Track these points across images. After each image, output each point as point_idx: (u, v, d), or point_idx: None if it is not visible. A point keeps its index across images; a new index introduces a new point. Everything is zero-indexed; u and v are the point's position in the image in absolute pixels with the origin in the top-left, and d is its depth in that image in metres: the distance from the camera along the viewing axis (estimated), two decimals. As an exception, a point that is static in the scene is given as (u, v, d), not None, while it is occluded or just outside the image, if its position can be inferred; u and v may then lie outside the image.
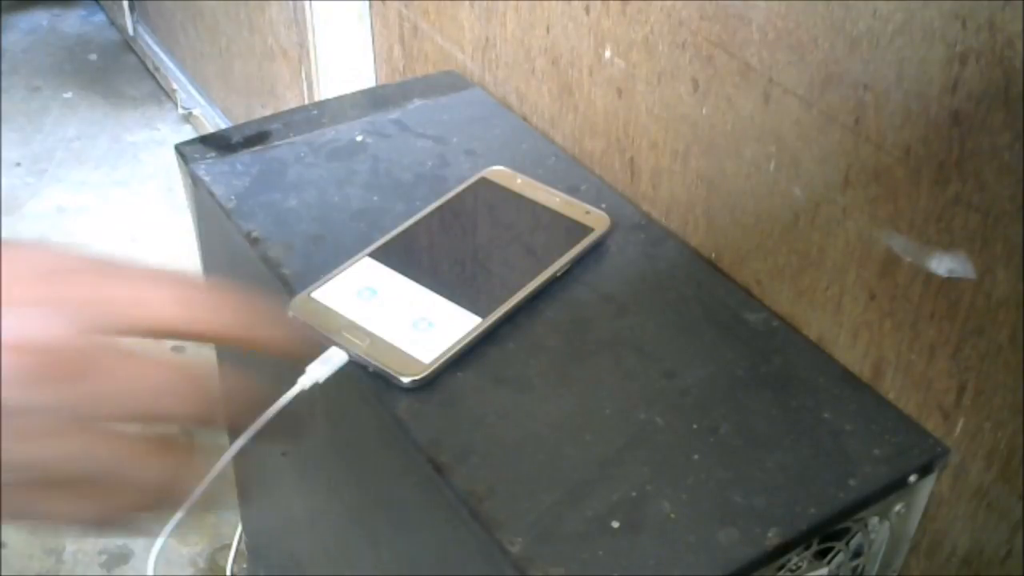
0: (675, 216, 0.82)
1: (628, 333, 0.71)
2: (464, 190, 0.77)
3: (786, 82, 0.67)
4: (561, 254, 0.70)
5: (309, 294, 0.63)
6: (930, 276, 0.62)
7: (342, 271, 0.65)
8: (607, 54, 0.83)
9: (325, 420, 0.77)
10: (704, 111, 0.75)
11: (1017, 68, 0.53)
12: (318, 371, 0.59)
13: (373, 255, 0.66)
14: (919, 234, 0.62)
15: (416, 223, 0.72)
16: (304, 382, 0.58)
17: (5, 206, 2.16)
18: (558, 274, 0.69)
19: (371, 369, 0.60)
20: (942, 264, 0.61)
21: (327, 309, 0.62)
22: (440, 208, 0.75)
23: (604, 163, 0.89)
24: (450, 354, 0.61)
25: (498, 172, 0.80)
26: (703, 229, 0.80)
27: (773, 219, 0.73)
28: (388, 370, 0.59)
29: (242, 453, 0.50)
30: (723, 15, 0.71)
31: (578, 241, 0.71)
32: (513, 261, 0.68)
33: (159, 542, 0.61)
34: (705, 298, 0.74)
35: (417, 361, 0.60)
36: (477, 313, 0.62)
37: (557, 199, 0.76)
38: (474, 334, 0.61)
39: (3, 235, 2.08)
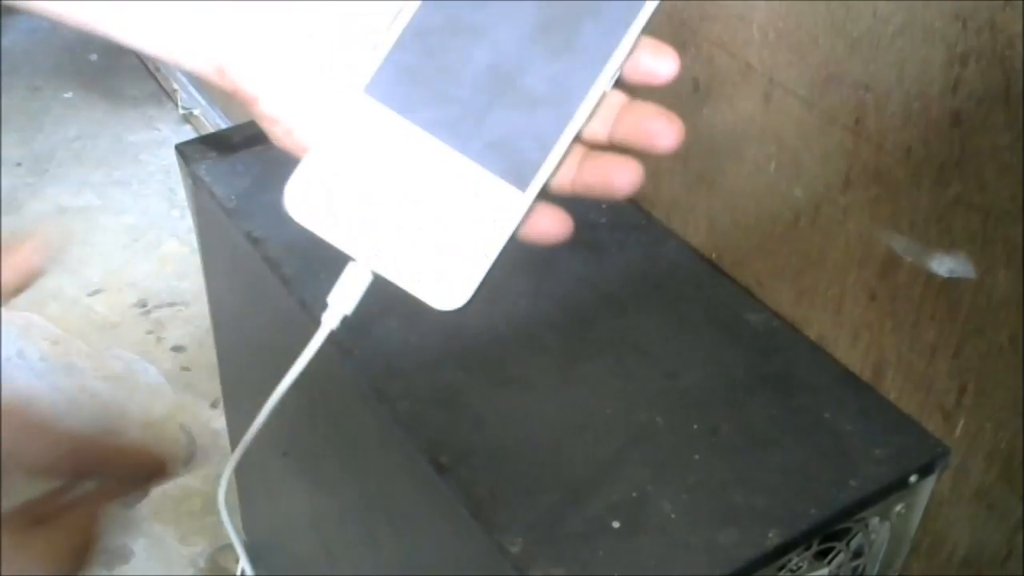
0: (676, 216, 0.82)
1: (628, 333, 0.70)
2: None
3: (787, 82, 0.67)
4: (600, 59, 0.44)
5: (303, 179, 0.45)
6: (931, 276, 0.62)
7: (338, 126, 0.45)
8: (607, 54, 0.83)
9: (325, 420, 0.77)
10: (704, 111, 0.75)
11: (1017, 68, 0.53)
12: (343, 300, 0.45)
13: (371, 91, 0.45)
14: (920, 234, 0.62)
15: (411, 26, 0.46)
16: (330, 320, 0.45)
17: (5, 206, 2.16)
18: (604, 95, 0.45)
19: (400, 288, 0.44)
20: (943, 264, 0.61)
21: (330, 202, 0.45)
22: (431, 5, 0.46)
23: (604, 163, 0.89)
24: (492, 259, 0.44)
25: None
26: (704, 229, 0.80)
27: (774, 219, 0.73)
28: (422, 296, 0.44)
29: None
30: (724, 15, 0.70)
31: (623, 26, 0.45)
32: (538, 81, 0.45)
33: (224, 479, 0.51)
34: (706, 298, 0.74)
35: (454, 279, 0.44)
36: (512, 181, 0.44)
37: None
38: (516, 221, 0.44)
39: (3, 235, 2.08)
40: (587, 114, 0.43)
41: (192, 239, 1.97)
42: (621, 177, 0.43)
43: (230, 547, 1.43)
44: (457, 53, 0.44)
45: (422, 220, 0.44)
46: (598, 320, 0.71)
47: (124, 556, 1.46)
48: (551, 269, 0.76)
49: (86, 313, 1.90)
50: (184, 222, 2.11)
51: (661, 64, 0.43)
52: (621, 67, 0.44)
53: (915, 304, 0.64)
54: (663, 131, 0.43)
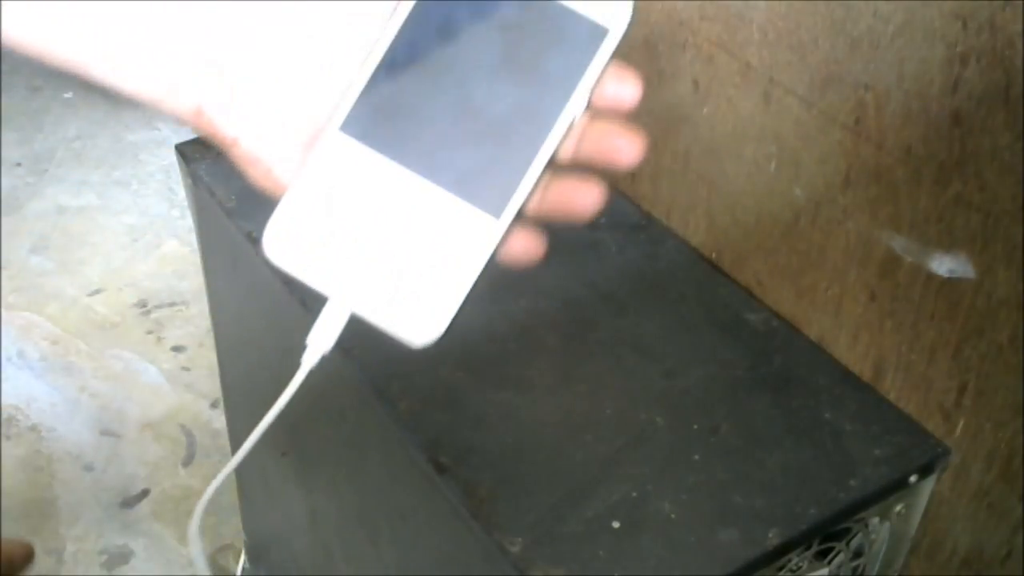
0: (676, 216, 0.82)
1: (628, 333, 0.70)
2: None
3: (787, 82, 0.67)
4: (568, 87, 0.46)
5: (281, 220, 0.47)
6: (931, 276, 0.62)
7: (314, 165, 0.47)
8: (607, 54, 0.83)
9: (325, 420, 0.77)
10: (704, 111, 0.75)
11: (1018, 68, 0.53)
12: (321, 340, 0.47)
13: (346, 129, 0.47)
14: (920, 234, 0.62)
15: (383, 64, 0.48)
16: (310, 359, 0.47)
17: (5, 206, 2.16)
18: (574, 122, 0.46)
19: (376, 326, 0.47)
20: (943, 264, 0.61)
21: (307, 242, 0.47)
22: (407, 26, 0.48)
23: (604, 163, 0.89)
24: (467, 289, 0.46)
25: None
26: (704, 229, 0.80)
27: (774, 219, 0.73)
28: (397, 331, 0.46)
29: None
30: (723, 15, 0.70)
31: (589, 55, 0.47)
32: (508, 110, 0.47)
33: (201, 505, 0.52)
34: (706, 298, 0.74)
35: (429, 313, 0.46)
36: (487, 209, 0.46)
37: None
38: (491, 249, 0.46)
39: (3, 235, 2.09)
40: (558, 141, 0.44)
41: (192, 239, 1.97)
42: (583, 199, 0.44)
43: (230, 547, 1.43)
44: (429, 87, 0.45)
45: (400, 254, 0.46)
46: (598, 320, 0.71)
47: (124, 556, 1.46)
48: (551, 269, 0.76)
49: (86, 313, 1.90)
50: (184, 222, 2.11)
51: (625, 90, 0.44)
52: (591, 93, 0.45)
53: (915, 304, 0.64)
54: (624, 148, 0.44)
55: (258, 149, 0.44)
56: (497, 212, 0.44)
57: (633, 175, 0.85)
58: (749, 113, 0.71)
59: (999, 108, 0.54)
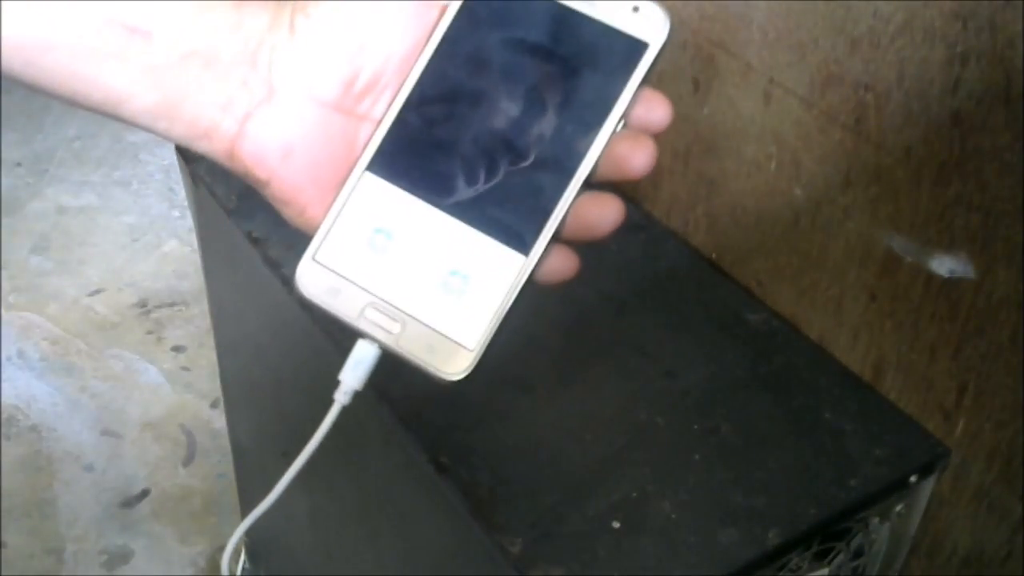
0: (676, 216, 0.82)
1: (628, 333, 0.71)
2: (461, 10, 0.45)
3: (787, 82, 0.67)
4: (605, 107, 0.44)
5: (313, 257, 0.46)
6: (931, 276, 0.62)
7: (343, 205, 0.46)
8: (608, 54, 0.83)
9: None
10: (705, 111, 0.75)
11: (1018, 68, 0.53)
12: (353, 378, 0.48)
13: (373, 168, 0.46)
14: (920, 234, 0.62)
15: (411, 100, 0.46)
16: (342, 397, 0.49)
17: (5, 206, 2.16)
18: (609, 139, 0.44)
19: (407, 362, 0.47)
20: (943, 264, 0.61)
21: (339, 279, 0.47)
22: (435, 60, 0.46)
23: (604, 163, 0.89)
24: (496, 324, 0.46)
25: None
26: (704, 229, 0.80)
27: (774, 219, 0.73)
28: (428, 367, 0.46)
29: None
30: (724, 15, 0.70)
31: (628, 72, 0.44)
32: (541, 142, 0.45)
33: (230, 545, 0.54)
34: (706, 298, 0.74)
35: (459, 347, 0.46)
36: (516, 247, 0.45)
37: None
38: (519, 285, 0.45)
39: (3, 235, 2.09)
40: (591, 168, 0.43)
41: (192, 239, 1.97)
42: (603, 216, 0.43)
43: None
44: (457, 121, 0.44)
45: (429, 291, 0.45)
46: (598, 320, 0.71)
47: (124, 556, 1.46)
48: (551, 269, 0.76)
49: (86, 313, 1.90)
50: (184, 222, 2.11)
51: (655, 112, 0.42)
52: (623, 119, 0.42)
53: (915, 304, 0.64)
54: (630, 154, 0.42)
55: (289, 190, 0.44)
56: (526, 250, 0.44)
57: (633, 175, 0.85)
58: (749, 113, 0.71)
59: (999, 108, 0.54)
